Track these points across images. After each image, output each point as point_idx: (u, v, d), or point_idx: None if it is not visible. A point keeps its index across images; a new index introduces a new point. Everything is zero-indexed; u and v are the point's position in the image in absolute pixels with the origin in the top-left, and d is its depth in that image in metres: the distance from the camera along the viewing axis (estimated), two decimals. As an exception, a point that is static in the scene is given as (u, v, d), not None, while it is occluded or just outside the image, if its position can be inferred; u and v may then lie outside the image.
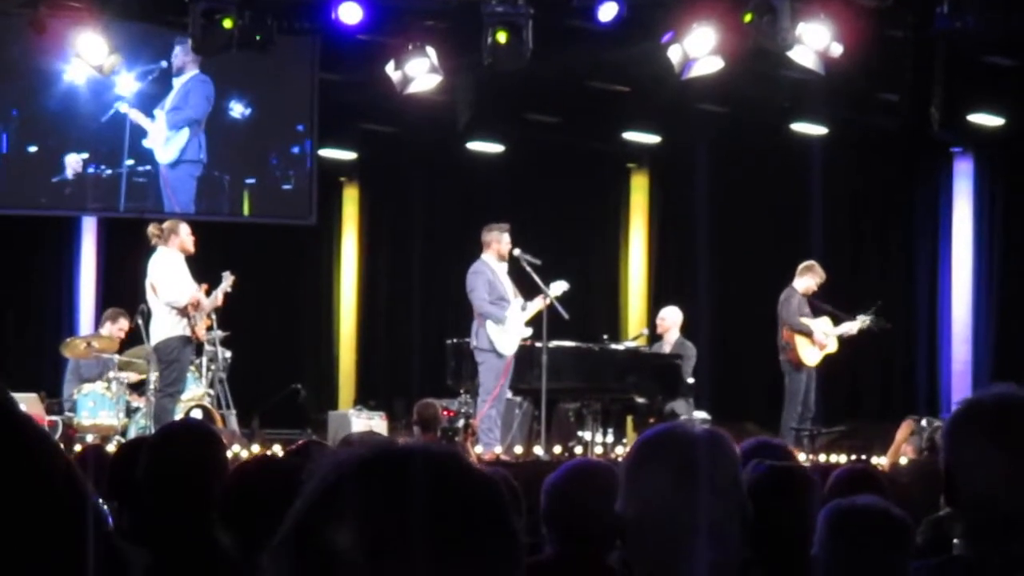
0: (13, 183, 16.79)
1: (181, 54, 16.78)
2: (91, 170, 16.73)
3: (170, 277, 13.91)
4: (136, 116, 16.96)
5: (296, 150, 17.89)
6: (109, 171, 16.79)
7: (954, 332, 19.63)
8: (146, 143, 16.98)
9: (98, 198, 16.89)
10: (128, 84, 16.81)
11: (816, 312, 16.12)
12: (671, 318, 17.12)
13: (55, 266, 20.42)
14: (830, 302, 16.41)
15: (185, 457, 4.82)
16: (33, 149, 16.64)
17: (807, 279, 16.08)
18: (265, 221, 18.69)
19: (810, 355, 16.02)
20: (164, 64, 16.90)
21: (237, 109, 17.50)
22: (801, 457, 14.27)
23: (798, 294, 16.07)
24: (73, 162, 16.65)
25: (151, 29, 15.20)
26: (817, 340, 15.95)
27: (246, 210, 17.60)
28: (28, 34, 14.81)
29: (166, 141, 17.19)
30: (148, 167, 16.90)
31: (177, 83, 17.18)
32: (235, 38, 14.78)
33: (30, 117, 16.61)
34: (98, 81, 16.23)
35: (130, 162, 16.96)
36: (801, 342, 16.00)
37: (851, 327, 16.13)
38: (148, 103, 16.91)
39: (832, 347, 16.10)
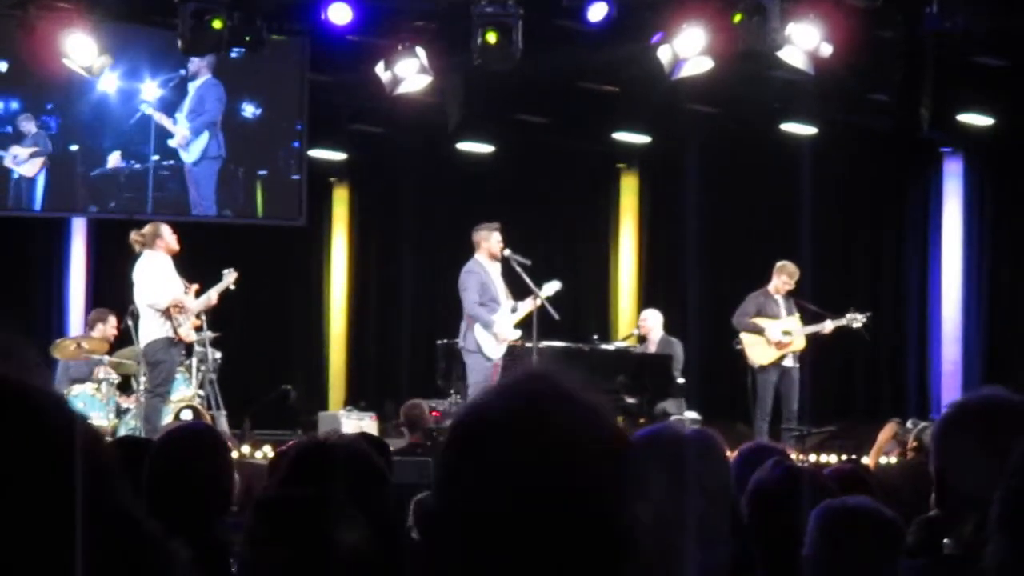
0: (61, 180, 18.06)
1: (196, 60, 17.67)
2: (123, 165, 18.11)
3: (152, 279, 13.94)
4: (160, 118, 18.03)
5: (296, 144, 18.65)
6: (139, 165, 18.14)
7: (944, 332, 19.64)
8: (171, 143, 18.18)
9: (129, 189, 18.18)
10: (152, 91, 17.97)
11: (799, 310, 16.13)
12: (652, 319, 17.23)
13: (45, 267, 20.40)
14: (820, 301, 16.41)
15: (192, 460, 4.81)
16: (75, 148, 18.03)
17: (776, 279, 16.13)
18: (254, 223, 18.79)
19: (760, 353, 15.99)
20: (183, 72, 18.04)
21: (248, 109, 18.46)
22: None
23: (762, 294, 16.09)
24: (113, 159, 18.08)
25: (172, 37, 15.47)
26: (771, 338, 15.92)
27: (259, 199, 18.59)
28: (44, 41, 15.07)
29: (188, 143, 18.21)
30: (172, 162, 18.23)
31: (192, 88, 18.16)
32: (224, 39, 14.80)
33: (70, 122, 17.96)
34: (125, 90, 17.72)
35: (156, 158, 18.16)
36: (749, 340, 16.02)
37: (825, 326, 16.08)
38: (170, 108, 18.09)
39: (797, 344, 16.04)
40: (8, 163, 17.70)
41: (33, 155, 17.79)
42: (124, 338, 15.29)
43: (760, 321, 15.94)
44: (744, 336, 16.05)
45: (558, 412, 1.93)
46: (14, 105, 17.80)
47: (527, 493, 1.88)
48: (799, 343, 16.00)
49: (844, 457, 14.30)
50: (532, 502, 1.87)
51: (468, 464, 1.93)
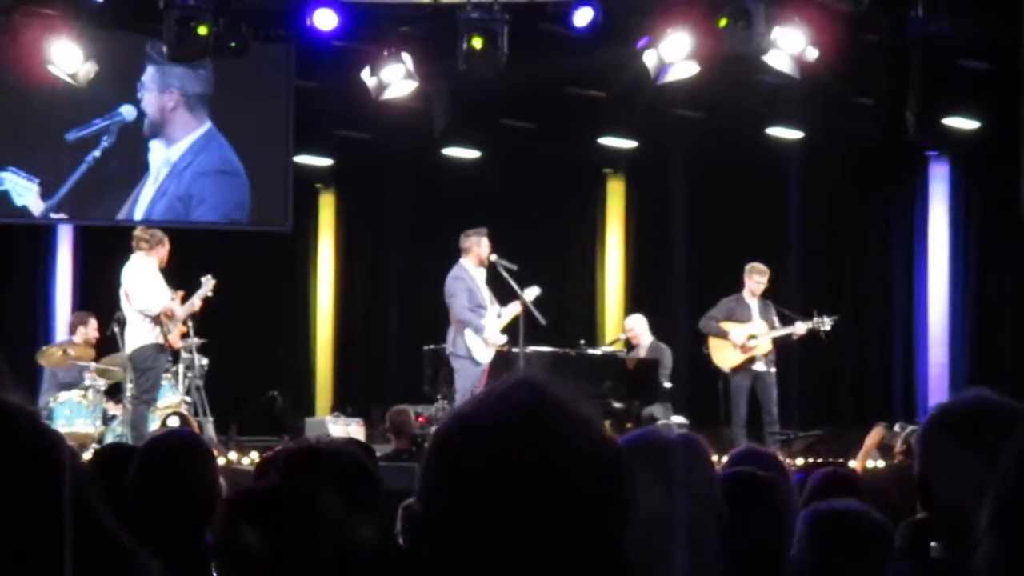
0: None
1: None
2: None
3: (144, 285, 13.94)
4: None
5: (284, 150, 18.73)
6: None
7: (931, 334, 19.65)
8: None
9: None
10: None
11: (778, 314, 16.08)
12: (638, 326, 17.18)
13: (31, 274, 20.36)
14: (806, 304, 16.40)
15: (175, 467, 4.79)
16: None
17: (748, 281, 16.09)
18: (239, 228, 18.79)
19: (723, 357, 15.92)
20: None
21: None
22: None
23: (735, 299, 16.06)
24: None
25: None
26: (735, 341, 15.86)
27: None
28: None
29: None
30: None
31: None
32: (210, 45, 14.78)
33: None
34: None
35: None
36: (714, 344, 15.99)
37: (797, 328, 15.99)
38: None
39: (762, 348, 15.92)
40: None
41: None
42: (109, 344, 15.25)
43: (725, 325, 15.91)
44: (711, 340, 16.02)
45: (545, 421, 1.90)
46: None
47: (512, 503, 1.85)
48: (764, 346, 15.91)
49: (831, 461, 14.30)
50: (518, 512, 1.84)
51: (452, 473, 1.90)
